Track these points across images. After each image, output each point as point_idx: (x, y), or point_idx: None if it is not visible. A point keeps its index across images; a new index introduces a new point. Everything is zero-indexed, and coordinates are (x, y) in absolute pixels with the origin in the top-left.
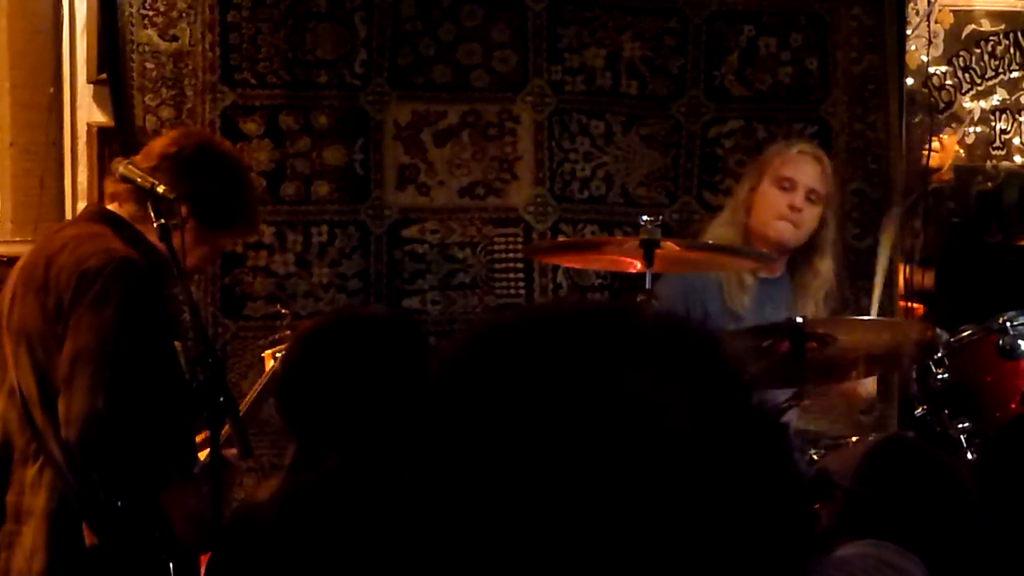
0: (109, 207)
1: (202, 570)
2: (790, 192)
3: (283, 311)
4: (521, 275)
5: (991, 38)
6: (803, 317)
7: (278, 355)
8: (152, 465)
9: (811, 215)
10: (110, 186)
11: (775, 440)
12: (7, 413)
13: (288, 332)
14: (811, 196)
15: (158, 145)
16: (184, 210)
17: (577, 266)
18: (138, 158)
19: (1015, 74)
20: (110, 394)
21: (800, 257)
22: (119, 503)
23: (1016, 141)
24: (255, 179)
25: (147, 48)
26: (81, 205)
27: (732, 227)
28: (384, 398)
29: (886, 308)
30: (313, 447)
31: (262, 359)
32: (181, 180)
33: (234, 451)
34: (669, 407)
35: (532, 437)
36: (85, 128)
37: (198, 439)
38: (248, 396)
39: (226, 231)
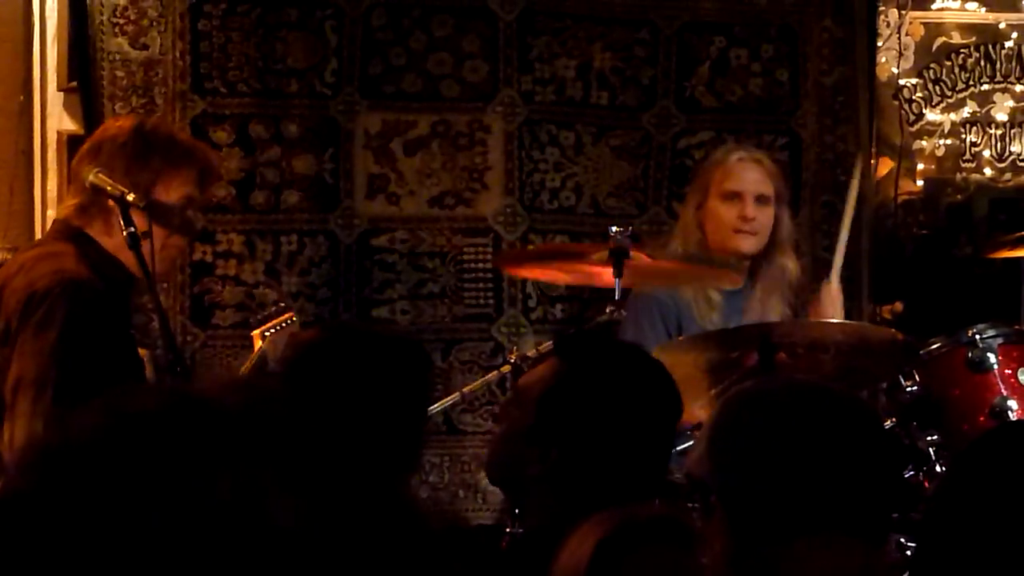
0: (75, 222)
1: None
2: (738, 203)
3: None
4: (490, 285)
5: (962, 51)
6: (769, 322)
7: (267, 334)
8: None
9: (765, 219)
10: (71, 196)
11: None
12: None
13: (276, 309)
14: (760, 200)
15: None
16: (145, 216)
17: (546, 279)
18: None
19: (985, 87)
20: (49, 420)
21: (761, 260)
22: None
23: (986, 154)
24: (225, 187)
25: (117, 56)
26: (50, 214)
27: (689, 247)
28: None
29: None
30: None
31: (251, 339)
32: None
33: None
34: (270, 503)
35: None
36: (55, 136)
37: None
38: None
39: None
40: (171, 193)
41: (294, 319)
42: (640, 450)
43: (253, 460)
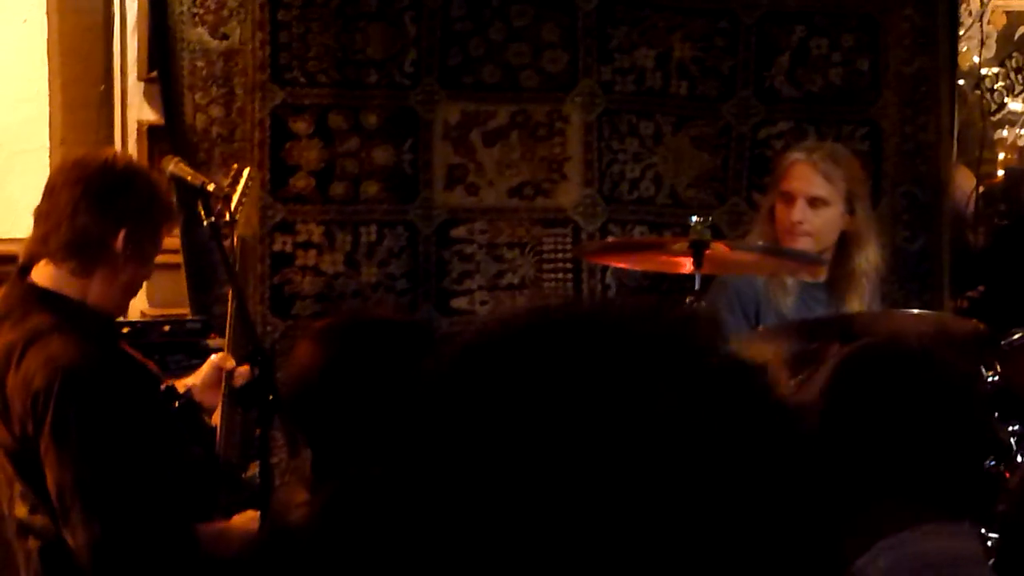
0: (34, 279)
1: None
2: (791, 206)
3: None
4: (570, 275)
5: None
6: (850, 313)
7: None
8: (178, 545)
9: (820, 221)
10: (33, 245)
11: (787, 447)
12: None
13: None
14: (813, 203)
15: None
16: (121, 240)
17: (626, 267)
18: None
19: None
20: (104, 517)
21: (838, 255)
22: None
23: None
24: (305, 178)
25: (197, 46)
26: None
27: (764, 240)
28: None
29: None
30: (329, 455)
31: None
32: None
33: None
34: (676, 425)
35: (531, 459)
36: (135, 126)
37: None
38: None
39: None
40: (157, 246)
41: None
42: None
43: (662, 383)
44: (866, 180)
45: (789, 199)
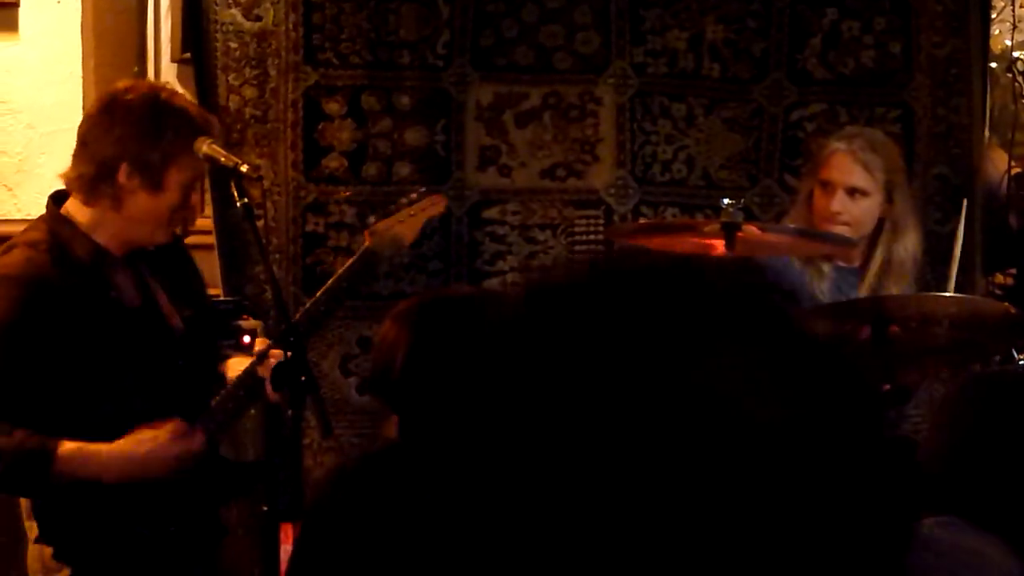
0: (66, 203)
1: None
2: (830, 195)
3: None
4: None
5: None
6: (881, 295)
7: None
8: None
9: (859, 211)
10: (77, 167)
11: (874, 427)
12: None
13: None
14: (852, 193)
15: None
16: (123, 172)
17: (658, 248)
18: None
19: None
20: None
21: (874, 241)
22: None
23: None
24: (337, 159)
25: (231, 28)
26: None
27: (799, 223)
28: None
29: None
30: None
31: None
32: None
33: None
34: (758, 393)
35: (594, 421)
36: None
37: None
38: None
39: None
40: (183, 173)
41: (436, 203)
42: None
43: (745, 345)
44: (904, 168)
45: (829, 188)
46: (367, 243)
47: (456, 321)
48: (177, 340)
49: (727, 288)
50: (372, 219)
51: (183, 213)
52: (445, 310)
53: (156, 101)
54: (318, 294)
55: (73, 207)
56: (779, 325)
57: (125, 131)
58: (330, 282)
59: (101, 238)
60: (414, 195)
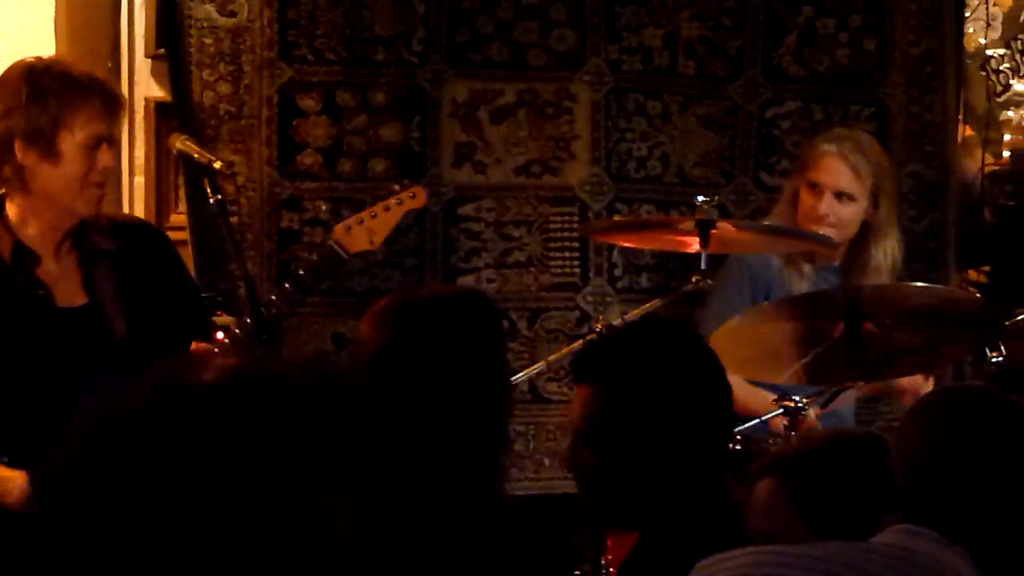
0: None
1: None
2: (818, 197)
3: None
4: (577, 254)
5: None
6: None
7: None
8: None
9: (845, 215)
10: None
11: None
12: None
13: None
14: (840, 196)
15: None
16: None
17: (633, 246)
18: None
19: None
20: None
21: (857, 245)
22: None
23: None
24: (312, 155)
25: (205, 23)
26: (138, 180)
27: (781, 222)
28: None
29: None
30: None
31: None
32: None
33: None
34: (327, 507)
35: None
36: (143, 103)
37: None
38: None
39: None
40: (76, 133)
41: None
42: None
43: (316, 454)
44: (891, 174)
45: (817, 190)
46: (333, 236)
47: (430, 322)
48: (116, 342)
49: (305, 398)
50: (345, 214)
51: (95, 179)
52: (419, 311)
53: (32, 70)
54: (278, 292)
55: (7, 205)
56: (360, 432)
57: (8, 107)
58: (290, 276)
59: (30, 231)
60: (396, 187)
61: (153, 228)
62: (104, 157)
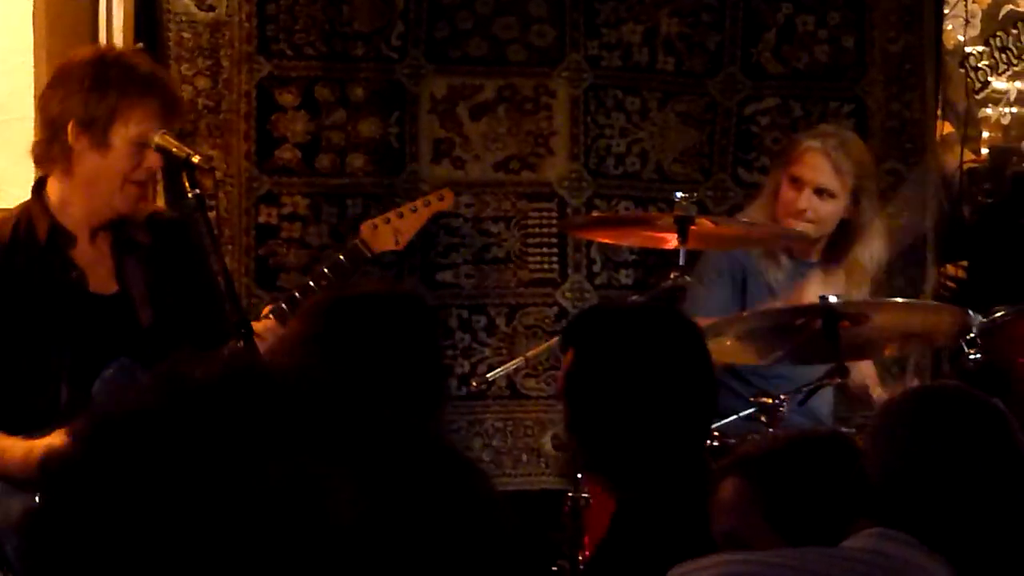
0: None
1: None
2: (798, 191)
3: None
4: (555, 250)
5: None
6: (836, 297)
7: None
8: None
9: (824, 211)
10: (36, 132)
11: (472, 520)
12: None
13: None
14: (820, 193)
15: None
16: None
17: (611, 242)
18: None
19: None
20: None
21: (838, 243)
22: None
23: None
24: (291, 150)
25: (184, 18)
26: None
27: (763, 217)
28: (396, 380)
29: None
30: None
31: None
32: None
33: None
34: (327, 496)
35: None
36: None
37: None
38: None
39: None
40: (130, 128)
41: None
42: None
43: (314, 444)
44: (875, 174)
45: (798, 185)
46: (360, 235)
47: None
48: (142, 332)
49: (301, 392)
50: (324, 209)
51: (138, 176)
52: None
53: (100, 59)
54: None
55: (49, 186)
56: (360, 425)
57: (70, 89)
58: (310, 275)
59: (69, 215)
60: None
61: (190, 228)
62: (152, 158)
